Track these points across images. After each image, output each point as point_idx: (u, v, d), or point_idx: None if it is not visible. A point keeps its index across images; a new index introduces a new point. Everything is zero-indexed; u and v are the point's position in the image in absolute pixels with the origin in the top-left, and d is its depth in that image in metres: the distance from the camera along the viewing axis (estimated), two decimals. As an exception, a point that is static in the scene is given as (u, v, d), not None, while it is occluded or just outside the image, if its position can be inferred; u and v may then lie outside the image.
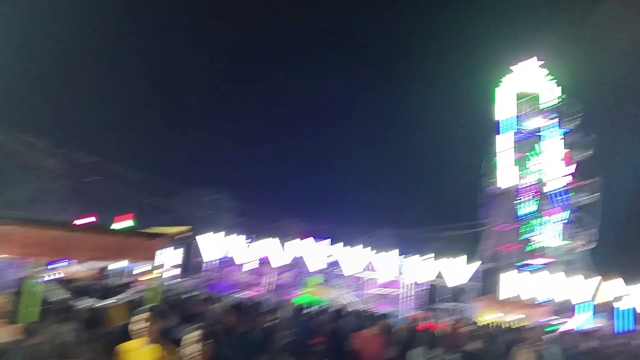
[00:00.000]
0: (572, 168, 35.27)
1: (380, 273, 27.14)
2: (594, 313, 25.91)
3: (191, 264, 26.83)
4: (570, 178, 35.21)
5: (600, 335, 16.12)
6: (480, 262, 32.71)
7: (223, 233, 27.64)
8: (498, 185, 36.72)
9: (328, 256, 26.89)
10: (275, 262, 27.07)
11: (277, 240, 27.08)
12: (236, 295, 21.10)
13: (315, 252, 26.78)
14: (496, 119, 38.61)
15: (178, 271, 26.08)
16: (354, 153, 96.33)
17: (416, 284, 28.01)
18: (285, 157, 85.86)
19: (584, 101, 36.54)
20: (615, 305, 25.42)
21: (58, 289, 7.10)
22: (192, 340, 3.51)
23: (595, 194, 33.58)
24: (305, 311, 12.97)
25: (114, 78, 59.27)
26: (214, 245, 26.79)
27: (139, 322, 3.65)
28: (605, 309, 26.00)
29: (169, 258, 25.52)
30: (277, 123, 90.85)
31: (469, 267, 27.18)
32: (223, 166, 69.64)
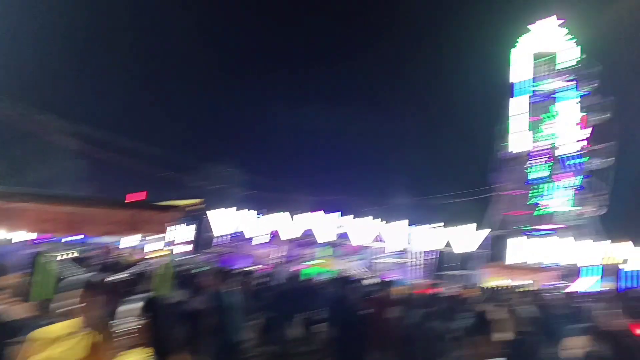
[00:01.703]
0: (588, 132, 34.69)
1: (390, 243, 27.55)
2: (602, 276, 26.16)
3: (203, 239, 27.41)
4: (584, 142, 34.74)
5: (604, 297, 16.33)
6: (489, 229, 32.95)
7: (234, 208, 28.13)
8: (510, 150, 36.43)
9: (338, 227, 27.31)
10: (285, 235, 27.59)
11: (287, 214, 27.51)
12: (246, 269, 21.67)
13: (325, 225, 27.19)
14: (511, 81, 37.93)
15: (190, 247, 26.69)
16: (364, 123, 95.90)
17: (425, 252, 28.42)
18: (295, 129, 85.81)
19: (604, 62, 35.38)
20: (621, 267, 25.64)
21: (73, 266, 7.42)
22: (128, 314, 2.88)
23: (609, 159, 33.13)
24: (306, 280, 13.41)
25: (128, 57, 59.31)
26: (224, 220, 27.30)
27: (67, 299, 2.76)
28: (613, 272, 26.22)
29: (181, 233, 26.16)
30: (288, 96, 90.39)
31: (478, 234, 27.45)
32: (234, 140, 70.07)
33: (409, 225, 27.54)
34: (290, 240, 29.83)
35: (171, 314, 4.80)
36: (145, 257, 16.08)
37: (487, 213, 35.23)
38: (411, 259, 28.02)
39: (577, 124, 35.04)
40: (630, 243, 25.75)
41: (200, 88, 73.71)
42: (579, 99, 35.40)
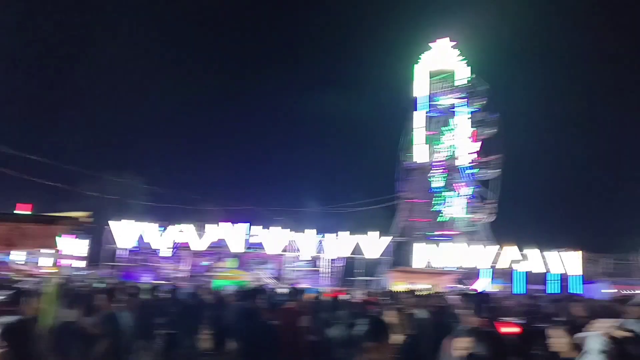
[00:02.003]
0: (478, 145, 37.91)
1: (301, 251, 27.77)
2: (493, 278, 28.55)
3: (103, 252, 25.64)
4: (475, 155, 37.87)
5: (496, 298, 17.79)
6: (392, 235, 34.45)
7: (135, 220, 26.67)
8: (414, 160, 38.55)
9: (251, 237, 27.01)
10: (194, 247, 26.70)
11: (191, 226, 26.72)
12: (153, 282, 20.64)
13: (234, 236, 26.72)
14: (414, 95, 40.22)
15: (83, 262, 24.82)
16: (272, 134, 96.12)
17: (334, 260, 29.00)
18: (203, 138, 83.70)
19: (491, 81, 39.22)
20: (514, 268, 28.19)
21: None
22: None
23: (497, 170, 36.51)
24: (214, 293, 13.06)
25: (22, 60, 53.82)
26: (127, 232, 25.79)
27: None
28: (504, 274, 28.71)
29: (73, 247, 24.22)
30: (191, 104, 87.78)
31: (382, 241, 28.57)
32: (135, 151, 66.40)
33: (318, 233, 27.97)
34: (198, 253, 28.92)
35: (49, 339, 4.37)
36: (33, 273, 14.67)
37: (394, 220, 36.84)
38: (321, 266, 28.46)
39: (469, 137, 38.14)
40: (515, 247, 28.31)
41: (97, 89, 68.92)
42: (469, 115, 38.64)
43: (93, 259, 29.16)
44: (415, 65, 40.87)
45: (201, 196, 37.02)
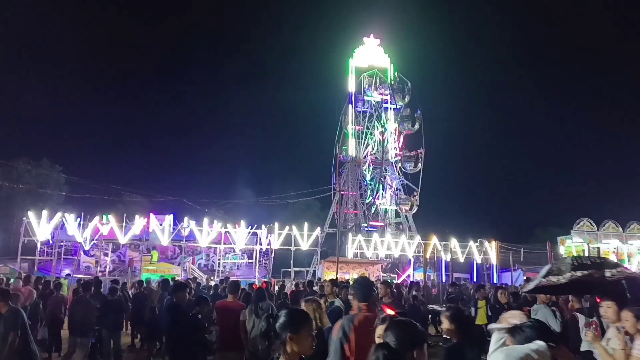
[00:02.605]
0: (402, 141, 39.54)
1: (235, 243, 27.44)
2: (417, 267, 29.91)
3: (21, 245, 23.85)
4: (398, 150, 39.44)
5: (422, 286, 18.73)
6: (327, 226, 35.06)
7: (55, 210, 25.08)
8: (349, 153, 39.26)
9: (181, 229, 26.28)
10: (121, 239, 25.58)
11: (113, 217, 25.64)
12: (76, 276, 19.59)
13: (162, 228, 25.90)
14: (349, 90, 40.84)
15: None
16: (203, 124, 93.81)
17: (268, 251, 28.97)
18: (127, 131, 79.89)
19: (413, 80, 40.98)
20: (439, 257, 29.60)
21: None
22: None
23: (419, 164, 38.24)
24: (140, 288, 12.71)
25: None
26: (45, 224, 24.16)
27: None
28: (430, 263, 30.10)
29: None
30: (117, 92, 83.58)
31: (316, 232, 28.92)
32: (55, 140, 62.31)
33: (252, 225, 27.78)
34: (123, 245, 27.77)
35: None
36: None
37: (330, 211, 37.43)
38: (254, 258, 28.32)
39: (396, 133, 39.57)
40: (435, 237, 29.72)
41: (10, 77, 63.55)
42: (395, 112, 40.06)
43: (6, 251, 27.12)
44: (350, 60, 41.49)
45: (125, 187, 35.52)
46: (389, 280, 24.72)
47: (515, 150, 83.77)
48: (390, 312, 3.19)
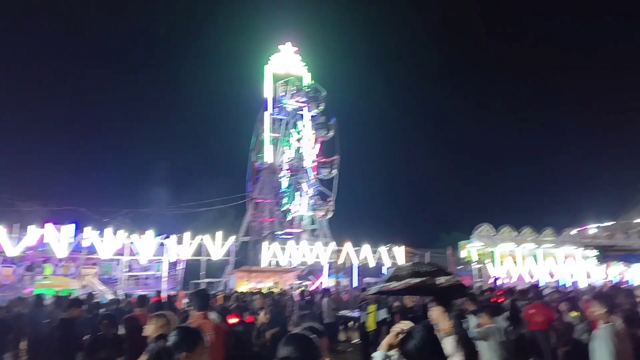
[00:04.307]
0: (317, 147, 40.24)
1: (140, 254, 26.01)
2: (334, 273, 30.45)
3: None
4: (315, 157, 40.07)
5: (335, 291, 19.05)
6: (239, 235, 34.45)
7: None
8: (265, 160, 39.00)
9: (82, 240, 24.40)
10: (8, 252, 23.16)
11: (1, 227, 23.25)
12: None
13: (59, 239, 23.89)
14: (264, 96, 40.59)
15: None
16: (108, 129, 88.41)
17: (176, 262, 27.85)
18: (22, 135, 73.02)
19: (330, 88, 41.84)
20: (352, 263, 30.34)
21: None
22: None
23: (334, 171, 39.14)
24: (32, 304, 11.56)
25: None
26: None
27: None
28: (342, 269, 30.74)
29: None
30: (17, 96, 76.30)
31: (228, 241, 28.32)
32: None
33: (160, 235, 26.55)
34: (16, 258, 25.21)
35: None
36: None
37: (244, 219, 36.80)
38: (162, 270, 27.03)
39: (310, 140, 40.20)
40: (349, 244, 30.53)
41: None
42: (311, 119, 40.73)
43: None
44: (265, 66, 41.43)
45: (16, 195, 32.23)
46: (304, 288, 24.93)
47: (426, 159, 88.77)
48: (233, 320, 3.53)
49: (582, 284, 26.60)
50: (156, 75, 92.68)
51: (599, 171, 72.39)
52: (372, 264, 30.80)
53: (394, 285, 3.77)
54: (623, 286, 15.64)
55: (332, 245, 31.60)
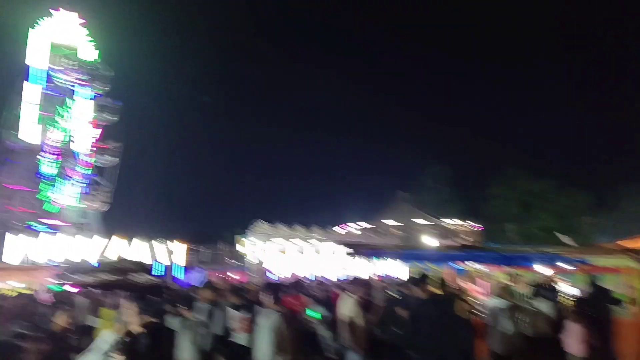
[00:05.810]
0: (98, 132, 36.11)
1: None
2: (98, 268, 27.62)
3: None
4: (94, 141, 35.91)
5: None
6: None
7: None
8: (21, 140, 33.00)
9: None
10: None
11: None
12: None
13: None
14: (27, 63, 34.31)
15: None
16: None
17: None
18: None
19: (117, 70, 38.03)
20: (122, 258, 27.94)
21: None
22: None
23: (115, 159, 35.73)
24: None
25: None
26: None
27: None
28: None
29: None
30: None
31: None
32: None
33: None
34: None
35: None
36: None
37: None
38: None
39: (89, 122, 35.99)
40: (124, 238, 28.33)
41: None
42: (92, 99, 36.44)
43: None
44: (31, 30, 35.23)
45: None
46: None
47: (217, 157, 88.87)
48: None
49: (339, 277, 30.25)
50: None
51: (362, 179, 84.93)
52: (150, 260, 29.18)
53: (89, 280, 3.79)
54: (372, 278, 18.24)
55: (103, 240, 28.71)
